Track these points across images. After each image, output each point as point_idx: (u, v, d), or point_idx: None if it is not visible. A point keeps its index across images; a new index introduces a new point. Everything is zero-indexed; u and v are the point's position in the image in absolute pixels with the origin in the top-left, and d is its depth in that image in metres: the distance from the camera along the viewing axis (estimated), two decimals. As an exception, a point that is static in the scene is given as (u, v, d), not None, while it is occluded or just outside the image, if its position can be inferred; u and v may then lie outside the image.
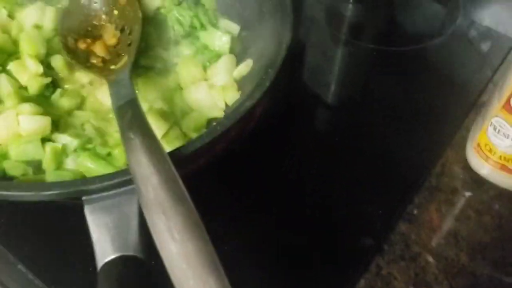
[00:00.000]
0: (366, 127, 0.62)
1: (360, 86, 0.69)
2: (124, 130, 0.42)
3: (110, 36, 0.59)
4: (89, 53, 0.58)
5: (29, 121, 0.51)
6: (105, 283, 0.37)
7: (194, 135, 0.54)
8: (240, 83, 0.58)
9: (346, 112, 0.66)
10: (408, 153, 0.60)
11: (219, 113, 0.56)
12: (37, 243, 0.52)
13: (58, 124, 0.54)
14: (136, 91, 0.52)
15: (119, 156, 0.50)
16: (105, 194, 0.41)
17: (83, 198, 0.41)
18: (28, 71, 0.55)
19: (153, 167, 0.37)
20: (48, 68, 0.57)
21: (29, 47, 0.56)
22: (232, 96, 0.57)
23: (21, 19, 0.60)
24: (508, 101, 0.49)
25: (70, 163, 0.51)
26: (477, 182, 0.56)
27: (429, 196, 0.56)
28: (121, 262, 0.38)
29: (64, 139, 0.51)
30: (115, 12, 0.61)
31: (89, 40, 0.59)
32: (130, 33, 0.58)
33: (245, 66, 0.58)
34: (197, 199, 0.36)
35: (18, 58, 0.57)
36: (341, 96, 0.68)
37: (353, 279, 0.50)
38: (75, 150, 0.51)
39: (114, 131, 0.54)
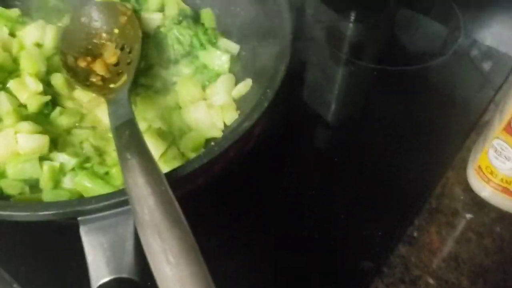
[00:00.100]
0: (366, 147, 0.62)
1: (361, 106, 0.69)
2: (121, 150, 0.42)
3: (110, 54, 0.59)
4: (89, 71, 0.58)
5: (28, 140, 0.51)
6: (100, 305, 0.37)
7: (192, 155, 0.54)
8: (239, 102, 0.58)
9: (346, 131, 0.65)
10: (408, 173, 0.59)
11: (217, 133, 0.56)
12: (34, 262, 0.51)
13: (57, 142, 0.54)
14: (135, 110, 0.53)
15: (117, 175, 0.50)
16: (101, 214, 0.40)
17: (79, 218, 0.41)
18: (27, 89, 0.55)
19: (149, 188, 0.37)
20: (47, 86, 0.57)
21: (29, 65, 0.57)
22: (231, 115, 0.57)
23: (22, 37, 0.61)
24: (509, 123, 0.49)
25: (67, 182, 0.51)
26: (478, 204, 0.56)
27: (430, 218, 0.55)
28: (115, 285, 0.38)
29: (62, 157, 0.51)
30: (116, 31, 0.61)
31: (89, 58, 0.59)
32: (130, 52, 0.59)
33: (244, 86, 0.58)
34: (195, 219, 0.36)
35: (18, 76, 0.57)
36: (341, 115, 0.68)
37: (352, 302, 0.49)
38: (72, 169, 0.51)
39: (112, 150, 0.54)
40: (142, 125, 0.52)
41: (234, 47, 0.63)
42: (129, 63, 0.57)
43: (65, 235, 0.45)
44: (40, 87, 0.55)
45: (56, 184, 0.50)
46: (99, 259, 0.39)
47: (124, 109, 0.48)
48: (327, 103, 0.69)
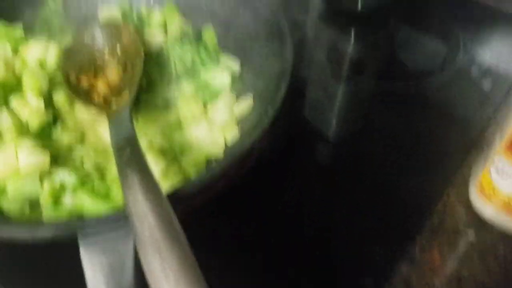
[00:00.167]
0: (367, 165, 0.62)
1: (361, 123, 0.69)
2: (122, 167, 0.42)
3: (112, 73, 0.60)
4: (90, 89, 0.59)
5: (28, 156, 0.51)
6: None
7: (193, 172, 0.54)
8: (240, 119, 0.58)
9: (346, 148, 0.65)
10: (409, 190, 0.59)
11: (218, 150, 0.56)
12: (32, 281, 0.51)
13: (57, 159, 0.54)
14: (136, 127, 0.53)
15: (117, 193, 0.50)
16: (100, 234, 0.40)
17: (79, 237, 0.40)
18: (29, 107, 0.55)
19: (150, 206, 0.37)
20: (49, 103, 0.57)
21: (31, 83, 0.57)
22: (232, 133, 0.57)
23: (25, 54, 0.61)
24: (510, 141, 0.49)
25: (67, 199, 0.50)
26: (480, 222, 0.55)
27: (431, 235, 0.55)
28: (115, 304, 0.38)
29: (62, 174, 0.51)
30: (118, 50, 0.61)
31: (91, 77, 0.60)
32: (132, 70, 0.59)
33: (245, 103, 0.58)
34: (195, 236, 0.36)
35: (20, 93, 0.57)
36: (342, 132, 0.68)
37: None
38: (73, 186, 0.51)
39: (113, 167, 0.53)
40: (142, 142, 0.52)
41: (235, 65, 0.63)
42: (131, 81, 0.58)
43: (64, 253, 0.45)
44: (42, 104, 0.55)
45: (56, 201, 0.50)
46: (98, 278, 0.39)
47: (125, 126, 0.48)
48: (328, 119, 0.69)
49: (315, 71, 0.76)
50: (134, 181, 0.39)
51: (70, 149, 0.56)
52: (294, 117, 0.68)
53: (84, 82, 0.59)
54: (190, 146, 0.56)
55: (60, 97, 0.58)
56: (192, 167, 0.54)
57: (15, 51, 0.62)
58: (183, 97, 0.61)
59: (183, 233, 0.36)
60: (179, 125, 0.59)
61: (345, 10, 0.82)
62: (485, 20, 0.83)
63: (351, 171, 0.61)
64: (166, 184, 0.51)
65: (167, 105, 0.61)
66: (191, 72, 0.63)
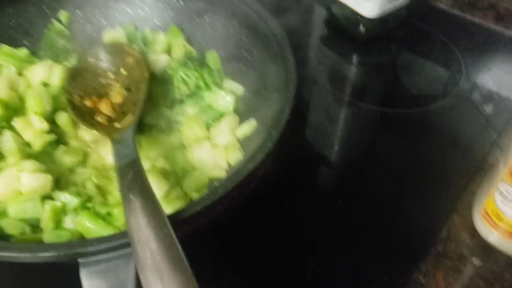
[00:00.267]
0: (370, 189, 0.62)
1: (363, 148, 0.69)
2: (124, 191, 0.42)
3: (116, 94, 0.60)
4: (94, 110, 0.59)
5: (31, 179, 0.51)
6: None
7: (195, 195, 0.54)
8: (243, 142, 0.58)
9: (349, 174, 0.65)
10: (413, 216, 0.58)
11: (221, 173, 0.56)
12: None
13: (59, 181, 0.54)
14: (139, 149, 0.53)
15: (119, 216, 0.50)
16: (101, 257, 0.40)
17: (79, 260, 0.40)
18: (32, 128, 0.55)
19: (152, 230, 0.37)
20: (52, 125, 0.57)
21: (35, 104, 0.57)
22: (235, 156, 0.57)
23: (29, 76, 0.61)
24: (514, 167, 0.48)
25: (68, 222, 0.50)
26: (486, 249, 0.55)
27: (436, 262, 0.54)
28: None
29: (64, 197, 0.51)
30: (122, 71, 0.62)
31: (95, 98, 0.60)
32: (136, 92, 0.59)
33: (249, 126, 0.58)
34: (196, 259, 0.36)
35: (23, 114, 0.57)
36: (344, 157, 0.68)
37: None
38: (74, 209, 0.50)
39: (115, 190, 0.53)
40: (145, 164, 0.52)
41: (239, 88, 0.63)
42: (135, 103, 0.58)
43: (65, 276, 0.44)
44: (45, 126, 0.55)
45: (58, 224, 0.49)
46: (98, 301, 0.38)
47: (128, 149, 0.48)
48: (330, 144, 0.69)
49: (317, 95, 0.76)
50: (137, 205, 0.39)
51: (72, 171, 0.55)
52: (296, 141, 0.68)
53: (88, 104, 0.59)
54: (193, 168, 0.56)
55: (63, 119, 0.58)
56: (194, 191, 0.54)
57: (20, 72, 0.62)
58: (186, 120, 0.61)
59: (185, 258, 0.36)
60: (181, 147, 0.59)
61: (348, 35, 0.83)
62: (487, 45, 0.84)
63: (353, 195, 0.61)
64: (168, 207, 0.51)
65: (170, 128, 0.61)
66: (195, 95, 0.63)
